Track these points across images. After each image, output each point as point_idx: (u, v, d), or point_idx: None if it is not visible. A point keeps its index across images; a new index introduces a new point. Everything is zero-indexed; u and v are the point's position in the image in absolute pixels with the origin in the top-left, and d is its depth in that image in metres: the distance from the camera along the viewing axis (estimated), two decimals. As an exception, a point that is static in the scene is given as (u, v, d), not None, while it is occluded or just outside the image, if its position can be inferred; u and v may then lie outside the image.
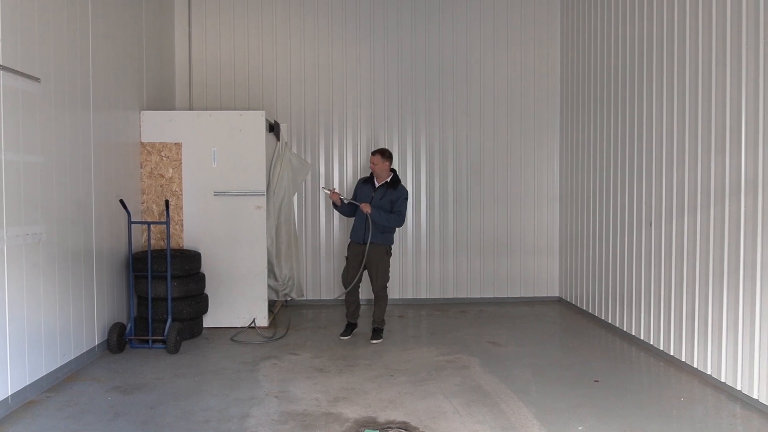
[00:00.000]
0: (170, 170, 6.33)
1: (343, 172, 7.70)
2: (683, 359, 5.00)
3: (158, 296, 5.68)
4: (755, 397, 4.16)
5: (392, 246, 6.09)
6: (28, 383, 4.25)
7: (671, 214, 5.20)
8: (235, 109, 7.48)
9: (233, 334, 6.12)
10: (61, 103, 4.74)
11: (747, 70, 4.25)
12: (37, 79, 4.34)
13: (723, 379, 4.50)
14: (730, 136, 4.44)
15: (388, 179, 5.98)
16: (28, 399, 4.23)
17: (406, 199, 5.94)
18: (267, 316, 6.48)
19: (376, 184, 5.98)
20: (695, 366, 4.83)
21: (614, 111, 6.23)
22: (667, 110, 5.25)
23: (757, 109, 4.13)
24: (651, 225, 5.53)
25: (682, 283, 5.03)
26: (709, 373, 4.67)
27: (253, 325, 6.36)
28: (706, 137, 4.72)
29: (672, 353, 5.16)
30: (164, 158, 6.32)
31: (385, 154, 5.94)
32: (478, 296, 7.82)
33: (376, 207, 5.82)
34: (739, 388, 4.32)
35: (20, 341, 4.17)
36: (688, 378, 4.78)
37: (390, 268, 6.08)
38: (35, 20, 4.38)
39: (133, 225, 5.80)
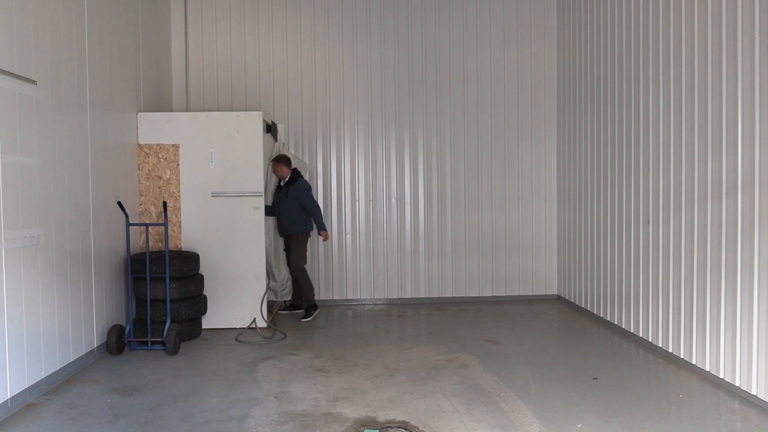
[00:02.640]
0: (168, 172, 6.33)
1: (340, 170, 7.70)
2: (682, 356, 5.01)
3: (157, 298, 5.68)
4: (754, 393, 4.17)
5: (306, 233, 7.00)
6: (27, 386, 4.24)
7: (668, 212, 5.21)
8: (232, 109, 7.49)
9: (237, 335, 6.12)
10: (58, 106, 4.73)
11: (743, 67, 4.26)
12: (33, 82, 4.33)
13: (722, 376, 4.51)
14: (726, 134, 4.44)
15: (287, 178, 6.92)
16: (28, 402, 4.23)
17: (308, 189, 6.88)
18: (266, 317, 6.48)
19: (282, 185, 6.97)
20: (694, 363, 4.84)
21: (611, 109, 6.24)
22: (664, 108, 5.26)
23: (753, 107, 4.14)
24: (648, 223, 5.54)
25: (680, 281, 5.04)
26: (707, 369, 4.68)
27: (253, 325, 6.37)
28: (702, 135, 4.73)
29: (671, 350, 5.18)
30: (162, 160, 6.32)
31: (279, 160, 6.86)
32: (477, 295, 7.82)
33: (286, 213, 6.91)
34: (737, 384, 4.33)
35: (19, 344, 4.17)
36: (686, 375, 4.79)
37: (306, 254, 7.07)
38: (31, 23, 4.37)
39: (131, 227, 5.79)
